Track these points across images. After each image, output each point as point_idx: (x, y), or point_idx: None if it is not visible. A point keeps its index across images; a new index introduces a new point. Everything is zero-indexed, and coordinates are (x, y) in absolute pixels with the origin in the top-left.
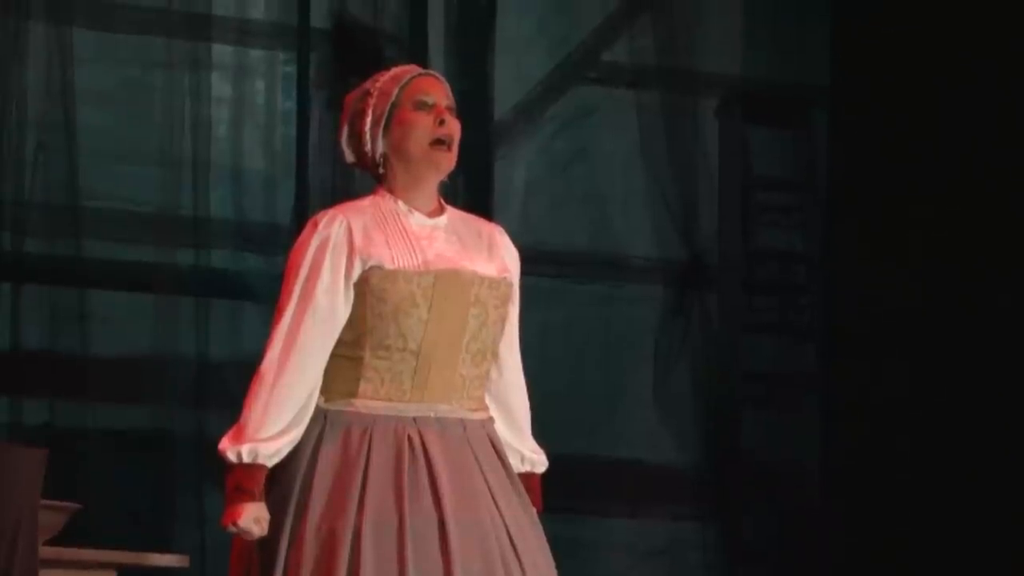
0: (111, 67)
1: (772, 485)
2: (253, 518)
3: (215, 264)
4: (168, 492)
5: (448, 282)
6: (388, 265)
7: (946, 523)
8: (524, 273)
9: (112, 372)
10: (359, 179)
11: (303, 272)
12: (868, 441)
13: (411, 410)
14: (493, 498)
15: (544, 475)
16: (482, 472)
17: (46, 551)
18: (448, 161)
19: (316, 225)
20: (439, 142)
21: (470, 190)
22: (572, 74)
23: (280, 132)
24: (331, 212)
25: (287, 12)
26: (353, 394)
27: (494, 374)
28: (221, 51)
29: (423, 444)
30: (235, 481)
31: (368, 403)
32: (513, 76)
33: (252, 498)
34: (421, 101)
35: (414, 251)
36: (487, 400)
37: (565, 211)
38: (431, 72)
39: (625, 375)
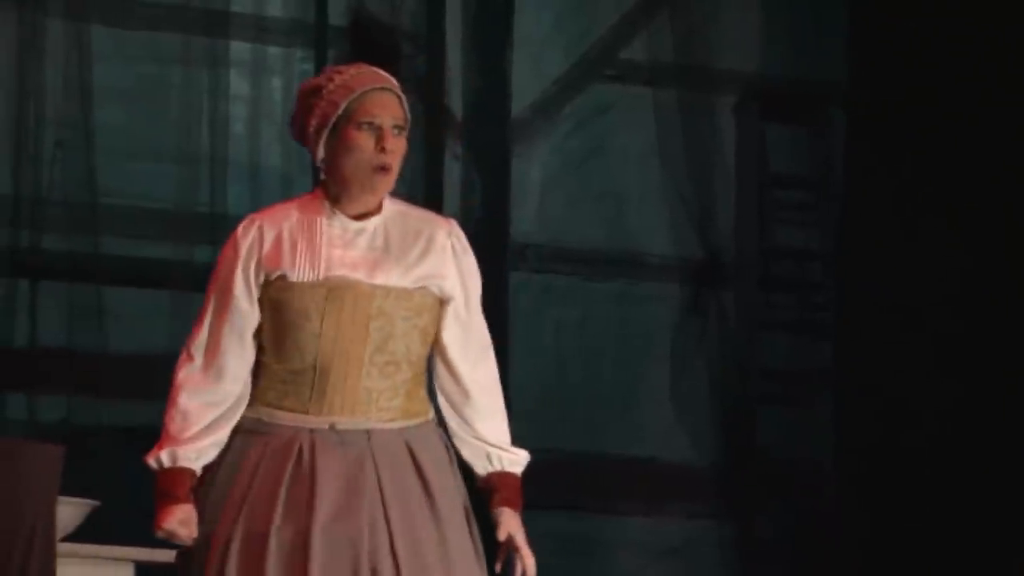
0: (129, 64)
1: (787, 483)
2: (178, 520)
3: None
4: None
5: (341, 295)
6: (288, 277)
7: (961, 521)
8: (540, 271)
9: (129, 369)
10: None
11: (220, 277)
12: (884, 439)
13: (310, 422)
14: (385, 511)
15: (559, 473)
16: (379, 485)
17: (63, 547)
18: (385, 185)
19: (236, 231)
20: (377, 168)
21: (487, 187)
22: (589, 71)
23: None
24: (252, 216)
25: (304, 9)
26: (263, 401)
27: (450, 385)
28: (239, 48)
29: (312, 457)
30: (159, 487)
31: (272, 412)
32: (530, 73)
33: (176, 500)
34: (366, 122)
35: (318, 262)
36: (444, 407)
37: (581, 209)
38: (386, 85)
39: (640, 373)
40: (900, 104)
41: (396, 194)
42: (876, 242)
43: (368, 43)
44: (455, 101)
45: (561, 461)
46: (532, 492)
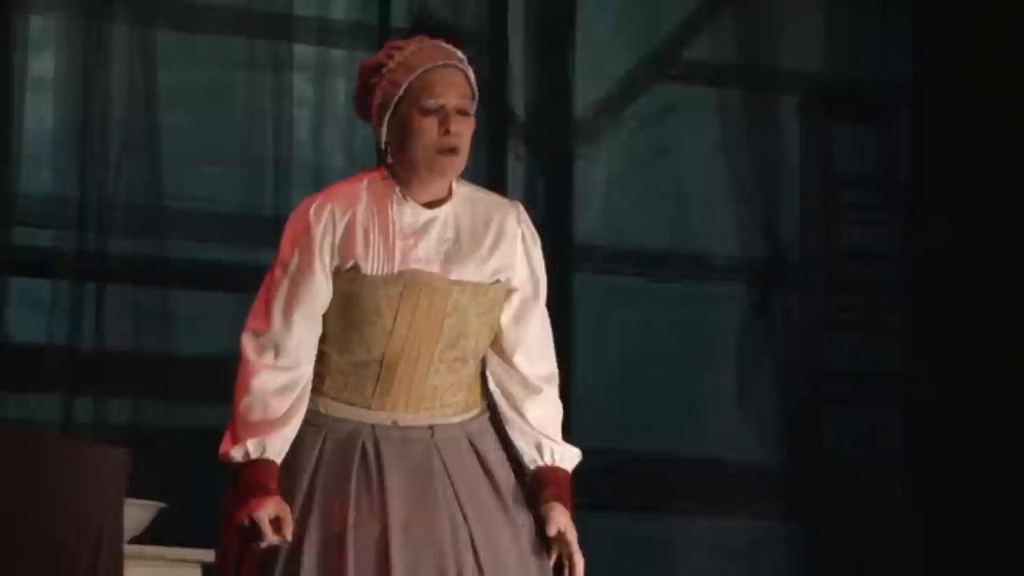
0: (193, 68)
1: (855, 485)
2: (273, 512)
3: None
4: None
5: (418, 293)
6: (361, 268)
7: None
8: (605, 272)
9: (195, 371)
10: None
11: (293, 256)
12: (952, 441)
13: (371, 417)
14: (461, 508)
15: (624, 474)
16: (450, 481)
17: (130, 549)
18: (454, 166)
19: (307, 212)
20: (443, 151)
21: (550, 188)
22: (652, 72)
23: (361, 132)
24: (320, 199)
25: (367, 12)
26: (318, 390)
27: (506, 374)
28: (302, 51)
29: (378, 454)
30: (248, 479)
31: (329, 403)
32: (593, 74)
33: (269, 492)
34: (428, 106)
35: (392, 254)
36: (498, 396)
37: (646, 210)
38: (449, 60)
39: (706, 374)
40: (967, 102)
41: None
42: (943, 241)
43: None
44: (518, 102)
45: (626, 462)
46: (598, 493)
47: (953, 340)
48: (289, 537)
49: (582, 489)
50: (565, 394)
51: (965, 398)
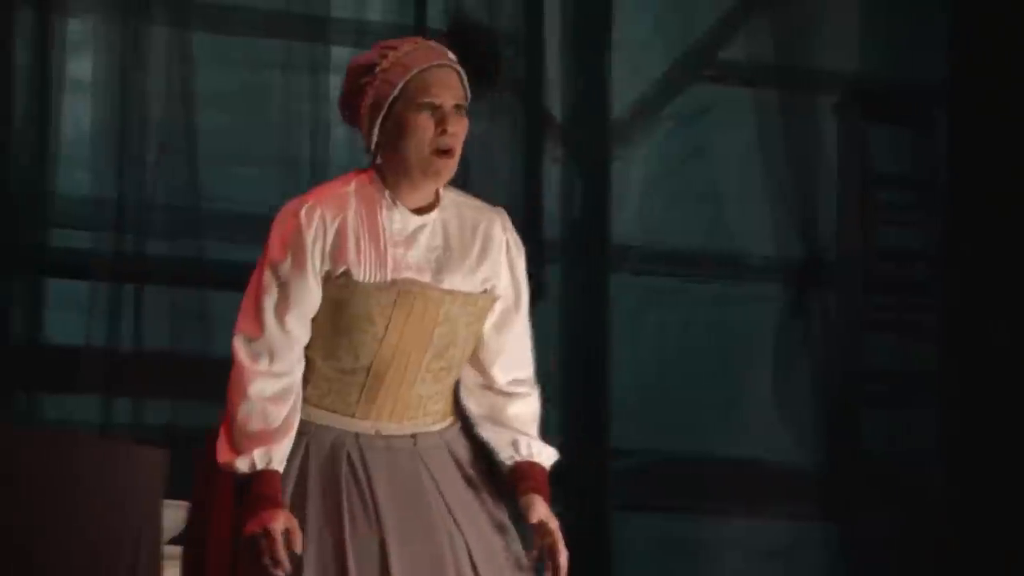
0: (230, 70)
1: (891, 485)
2: (282, 527)
3: None
4: None
5: (411, 301)
6: (353, 275)
7: None
8: (641, 272)
9: None
10: (474, 179)
11: (286, 260)
12: (989, 440)
13: (354, 426)
14: (452, 516)
15: (661, 474)
16: (438, 489)
17: (169, 550)
18: (448, 169)
19: (297, 214)
20: (440, 151)
21: (587, 189)
22: (689, 72)
23: None
24: (311, 202)
25: (403, 13)
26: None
27: (484, 383)
28: (339, 53)
29: (364, 464)
30: (257, 491)
31: (311, 410)
32: (630, 75)
33: (279, 504)
34: (425, 103)
35: (384, 261)
36: (475, 405)
37: (682, 210)
38: (444, 61)
39: (742, 374)
40: (1004, 102)
41: (487, 194)
42: (980, 242)
43: (466, 46)
44: (554, 104)
45: (662, 462)
46: (633, 493)
47: (989, 340)
48: (299, 550)
49: (618, 489)
50: (602, 394)
51: (1001, 398)
